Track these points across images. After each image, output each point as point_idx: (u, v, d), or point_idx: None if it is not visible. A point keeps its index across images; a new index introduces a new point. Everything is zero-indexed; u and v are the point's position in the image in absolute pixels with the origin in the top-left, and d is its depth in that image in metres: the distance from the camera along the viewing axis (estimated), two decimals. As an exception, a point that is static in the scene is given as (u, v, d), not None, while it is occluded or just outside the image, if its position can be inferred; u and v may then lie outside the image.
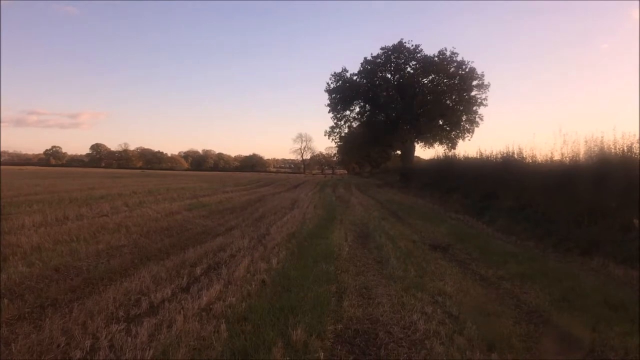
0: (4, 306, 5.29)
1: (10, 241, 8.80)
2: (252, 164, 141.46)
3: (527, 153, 17.20)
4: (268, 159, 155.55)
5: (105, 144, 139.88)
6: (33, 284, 6.34)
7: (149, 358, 4.02)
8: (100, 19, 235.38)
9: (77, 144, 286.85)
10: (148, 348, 4.22)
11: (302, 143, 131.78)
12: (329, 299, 6.07)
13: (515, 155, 18.01)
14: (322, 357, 4.24)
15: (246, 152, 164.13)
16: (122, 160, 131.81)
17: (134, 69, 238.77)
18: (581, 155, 13.37)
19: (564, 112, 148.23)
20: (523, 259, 9.35)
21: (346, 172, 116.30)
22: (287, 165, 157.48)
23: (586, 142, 13.08)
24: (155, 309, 5.49)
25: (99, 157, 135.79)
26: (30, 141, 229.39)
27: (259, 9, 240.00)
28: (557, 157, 14.80)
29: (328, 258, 8.57)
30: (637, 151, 11.31)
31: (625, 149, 11.54)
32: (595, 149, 12.56)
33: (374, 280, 7.32)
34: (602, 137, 12.48)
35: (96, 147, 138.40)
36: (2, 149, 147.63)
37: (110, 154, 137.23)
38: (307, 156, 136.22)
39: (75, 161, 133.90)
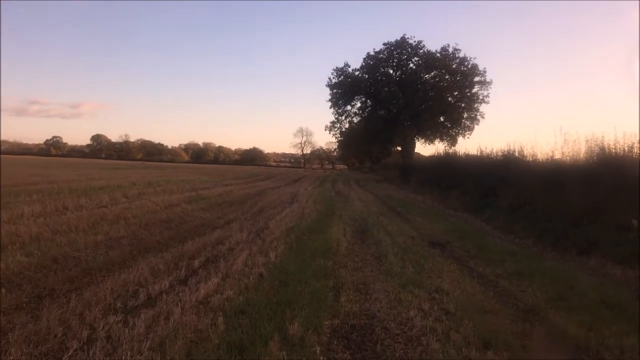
0: (2, 296, 5.30)
1: (9, 230, 8.81)
2: (252, 157, 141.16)
3: (527, 151, 17.20)
4: (268, 153, 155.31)
5: (106, 135, 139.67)
6: (31, 274, 6.35)
7: (145, 349, 4.03)
8: (103, 10, 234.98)
9: (77, 135, 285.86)
10: (145, 339, 4.23)
11: (302, 137, 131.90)
12: (327, 294, 6.09)
13: (516, 154, 18.00)
14: (318, 351, 4.25)
15: (246, 145, 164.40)
16: (123, 151, 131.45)
17: (137, 61, 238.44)
18: (581, 155, 13.37)
19: (566, 111, 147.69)
20: (521, 257, 9.37)
21: (346, 167, 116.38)
22: (287, 160, 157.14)
23: (587, 141, 13.08)
24: (153, 300, 5.50)
25: (100, 148, 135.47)
26: (31, 131, 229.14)
27: (261, 3, 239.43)
28: (557, 156, 14.80)
29: (326, 253, 8.58)
30: (637, 151, 11.29)
31: (626, 149, 11.52)
32: (596, 148, 12.55)
33: (372, 276, 7.33)
34: (602, 136, 12.48)
35: (97, 138, 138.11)
36: (2, 138, 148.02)
37: (111, 145, 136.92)
38: (308, 151, 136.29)
39: (76, 151, 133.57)
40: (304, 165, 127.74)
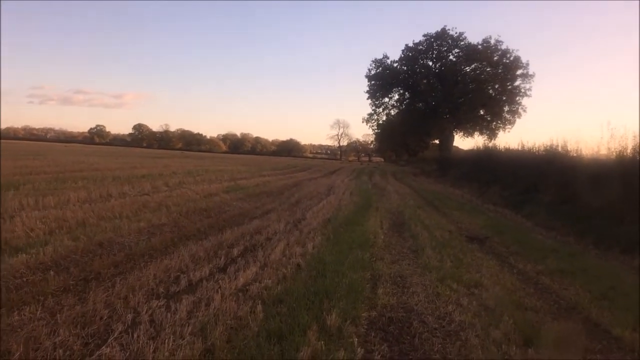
0: (50, 278, 5.49)
1: (57, 215, 9.12)
2: (289, 148, 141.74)
3: (571, 146, 16.71)
4: (305, 144, 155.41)
5: (147, 125, 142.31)
6: (78, 258, 6.56)
7: (187, 334, 4.13)
8: (145, 2, 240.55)
9: (120, 124, 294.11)
10: (187, 324, 4.34)
11: (339, 129, 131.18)
12: (364, 286, 6.10)
13: (559, 148, 17.52)
14: (356, 342, 4.26)
15: (283, 136, 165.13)
16: (163, 140, 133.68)
17: (178, 51, 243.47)
18: (629, 151, 12.91)
19: (613, 105, 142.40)
20: (563, 254, 9.17)
21: (383, 159, 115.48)
22: (324, 151, 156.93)
23: (634, 137, 12.61)
24: (194, 287, 5.63)
25: (141, 137, 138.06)
26: (76, 119, 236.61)
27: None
28: (603, 151, 14.34)
29: (363, 245, 8.59)
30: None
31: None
32: (644, 144, 12.11)
33: (409, 269, 7.30)
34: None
35: (138, 127, 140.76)
36: (49, 126, 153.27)
37: (152, 134, 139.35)
38: (344, 143, 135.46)
39: (118, 140, 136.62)
40: (340, 157, 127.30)
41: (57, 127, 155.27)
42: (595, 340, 4.87)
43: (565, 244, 10.80)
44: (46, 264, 6.13)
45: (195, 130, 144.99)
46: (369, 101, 53.34)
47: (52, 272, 5.71)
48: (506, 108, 47.73)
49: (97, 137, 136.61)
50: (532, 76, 46.25)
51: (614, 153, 13.59)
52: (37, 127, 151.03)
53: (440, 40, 47.62)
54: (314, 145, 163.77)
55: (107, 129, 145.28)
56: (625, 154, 13.01)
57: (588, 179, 13.62)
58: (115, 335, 4.11)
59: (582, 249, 10.26)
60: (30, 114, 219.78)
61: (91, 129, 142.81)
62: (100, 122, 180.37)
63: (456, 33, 47.22)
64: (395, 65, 50.38)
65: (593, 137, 19.98)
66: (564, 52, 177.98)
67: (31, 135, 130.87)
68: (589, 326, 5.30)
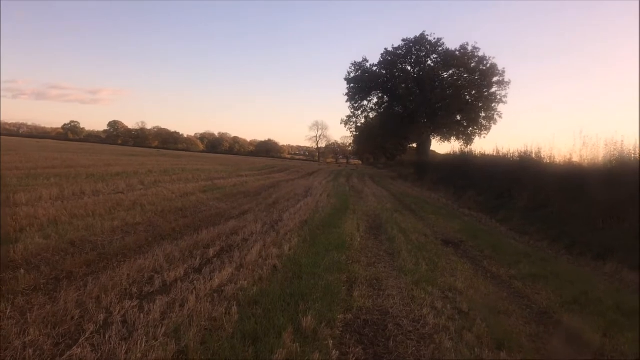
0: (20, 276, 5.37)
1: (28, 212, 8.90)
2: (267, 149, 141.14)
3: (545, 153, 17.04)
4: (283, 145, 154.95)
5: (123, 122, 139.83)
6: (49, 256, 6.44)
7: (161, 335, 4.07)
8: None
9: (95, 120, 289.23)
10: (160, 325, 4.28)
11: (317, 131, 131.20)
12: (340, 288, 6.11)
13: (533, 155, 17.84)
14: (331, 345, 4.27)
15: (262, 137, 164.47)
16: (139, 138, 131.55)
17: (156, 49, 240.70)
18: (600, 159, 13.22)
19: (587, 114, 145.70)
20: (536, 259, 9.31)
21: (361, 162, 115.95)
22: (302, 153, 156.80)
23: (606, 145, 12.93)
24: (168, 287, 5.56)
25: (116, 134, 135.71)
26: (50, 115, 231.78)
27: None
28: (575, 158, 14.67)
29: (340, 247, 8.59)
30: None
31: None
32: (615, 152, 12.41)
33: (385, 272, 7.34)
34: (622, 140, 12.34)
35: (114, 124, 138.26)
36: (21, 121, 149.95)
37: (127, 131, 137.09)
38: (323, 144, 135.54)
39: (93, 137, 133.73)
40: (318, 159, 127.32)
41: (30, 123, 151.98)
42: (566, 345, 4.96)
43: (538, 249, 10.99)
44: (16, 262, 6.00)
45: (172, 129, 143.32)
46: (348, 104, 53.68)
47: (22, 271, 5.59)
48: (482, 114, 48.50)
49: (71, 133, 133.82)
50: (508, 83, 47.15)
51: (586, 161, 13.91)
52: (9, 121, 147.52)
53: (419, 46, 48.18)
54: (292, 147, 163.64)
55: (82, 126, 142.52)
56: (597, 162, 13.31)
57: (561, 185, 13.90)
58: (87, 335, 4.03)
59: (555, 254, 10.45)
60: (2, 108, 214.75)
61: (65, 125, 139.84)
62: (76, 118, 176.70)
63: (434, 39, 47.91)
64: (374, 68, 50.83)
65: (566, 144, 20.44)
66: (540, 60, 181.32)
67: (3, 130, 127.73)
68: (560, 330, 5.39)
